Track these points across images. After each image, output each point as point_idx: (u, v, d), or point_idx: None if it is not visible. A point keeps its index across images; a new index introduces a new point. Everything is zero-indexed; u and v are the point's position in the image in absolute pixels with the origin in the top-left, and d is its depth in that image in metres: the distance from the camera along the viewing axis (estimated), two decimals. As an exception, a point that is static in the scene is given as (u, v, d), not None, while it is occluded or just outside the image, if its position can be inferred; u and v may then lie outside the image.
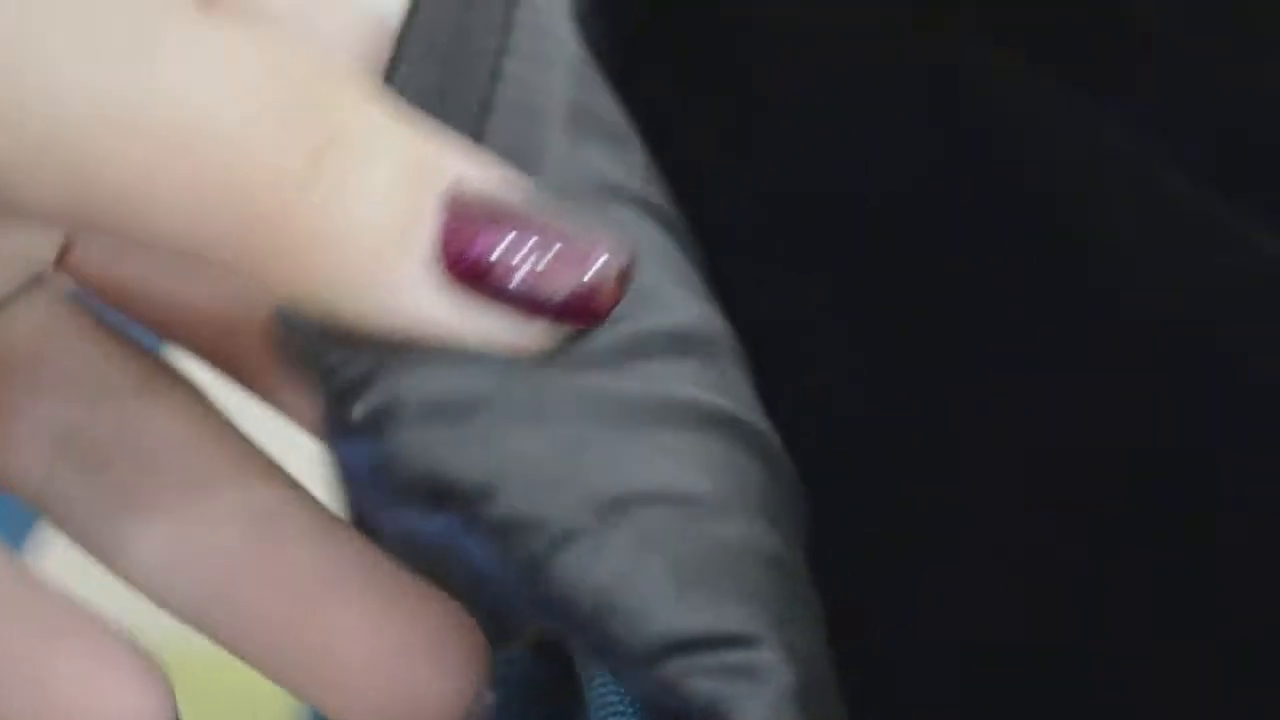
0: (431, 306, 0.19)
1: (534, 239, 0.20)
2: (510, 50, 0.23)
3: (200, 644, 0.24)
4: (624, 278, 0.20)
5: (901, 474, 0.31)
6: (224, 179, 0.18)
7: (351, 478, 0.21)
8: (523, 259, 0.20)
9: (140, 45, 0.19)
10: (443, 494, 0.20)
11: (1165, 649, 0.29)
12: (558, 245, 0.20)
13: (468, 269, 0.19)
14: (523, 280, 0.20)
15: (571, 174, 0.23)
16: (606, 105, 0.24)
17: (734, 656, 0.20)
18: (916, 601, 0.30)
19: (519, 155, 0.22)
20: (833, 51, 0.31)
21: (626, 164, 0.24)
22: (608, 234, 0.20)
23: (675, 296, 0.22)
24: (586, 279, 0.20)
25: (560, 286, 0.20)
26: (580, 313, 0.20)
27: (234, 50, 0.19)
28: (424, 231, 0.19)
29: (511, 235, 0.19)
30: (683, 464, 0.21)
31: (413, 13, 0.23)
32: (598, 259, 0.20)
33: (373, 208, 0.19)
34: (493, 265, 0.19)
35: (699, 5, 0.30)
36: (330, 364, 0.20)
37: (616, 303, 0.20)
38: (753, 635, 0.20)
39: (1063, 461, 0.30)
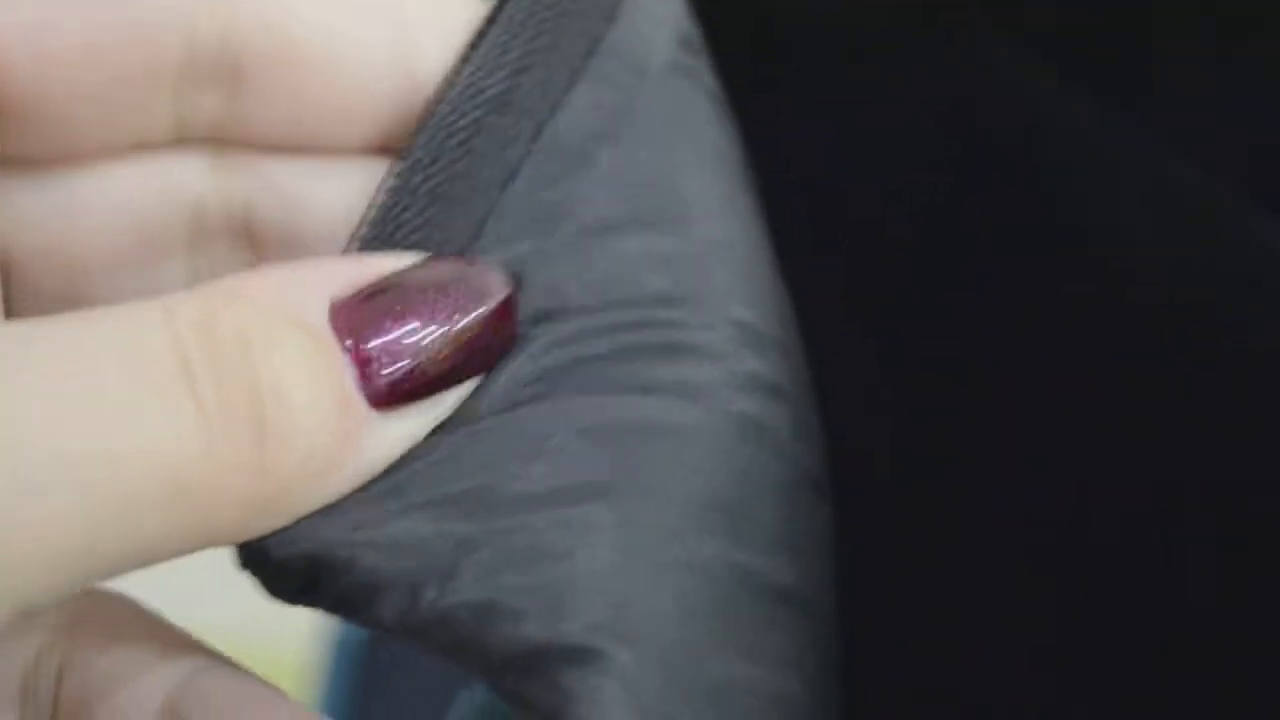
0: (387, 439, 0.21)
1: (432, 326, 0.21)
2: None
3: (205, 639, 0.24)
4: (510, 302, 0.22)
5: (910, 477, 0.31)
6: (189, 521, 0.19)
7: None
8: (431, 343, 0.21)
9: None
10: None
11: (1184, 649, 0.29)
12: (453, 317, 0.21)
13: (398, 390, 0.21)
14: (440, 365, 0.21)
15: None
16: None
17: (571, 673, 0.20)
18: (924, 606, 0.30)
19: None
20: (842, 52, 0.31)
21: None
22: (480, 272, 0.22)
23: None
24: (491, 311, 0.21)
25: (468, 343, 0.21)
26: (493, 351, 0.22)
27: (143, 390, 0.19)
28: (355, 387, 0.20)
29: (414, 331, 0.21)
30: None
31: None
32: (488, 300, 0.21)
33: (309, 403, 0.20)
34: (413, 372, 0.21)
35: (708, 7, 0.30)
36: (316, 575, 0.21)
37: (515, 321, 0.22)
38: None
39: (1072, 459, 0.30)
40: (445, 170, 0.23)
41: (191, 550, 0.20)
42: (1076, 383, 0.30)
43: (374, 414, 0.21)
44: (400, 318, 0.21)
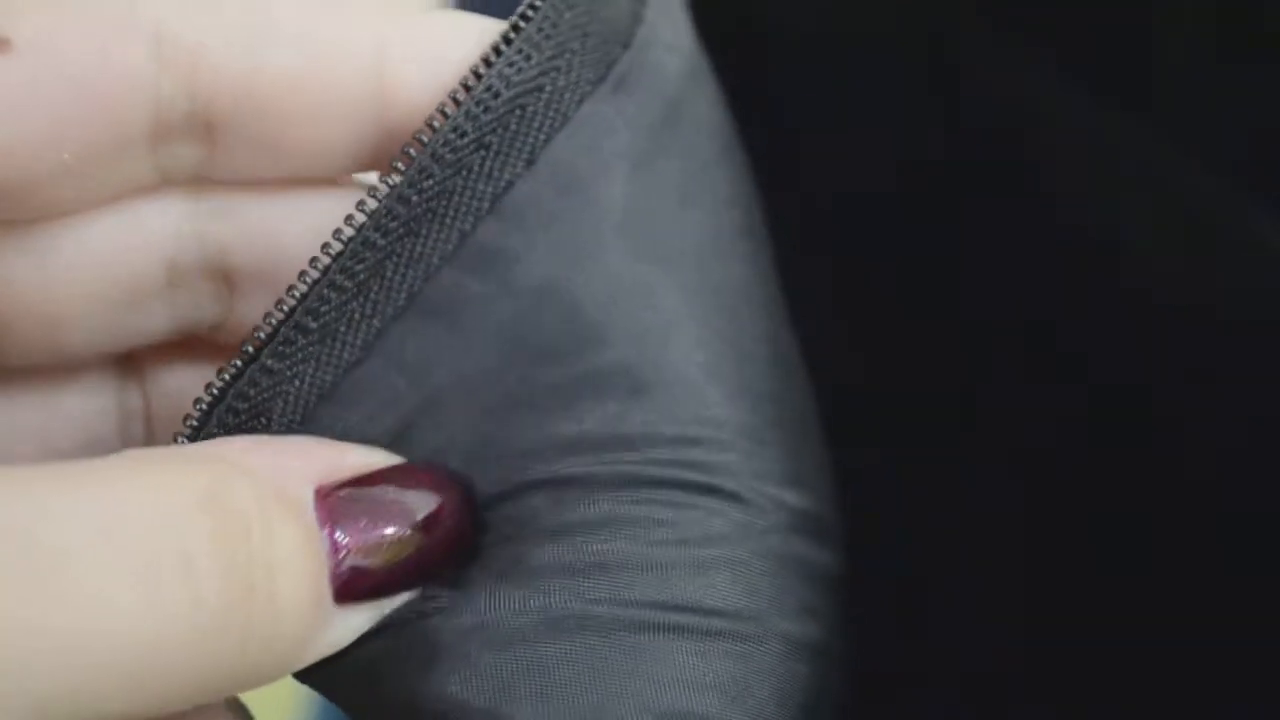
0: (340, 631, 0.21)
1: (393, 520, 0.21)
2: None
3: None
4: (464, 505, 0.22)
5: (902, 473, 0.31)
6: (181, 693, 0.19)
7: None
8: (391, 545, 0.21)
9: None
10: None
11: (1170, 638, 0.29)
12: (420, 514, 0.22)
13: (360, 587, 0.21)
14: (398, 565, 0.21)
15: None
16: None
17: None
18: (922, 595, 0.30)
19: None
20: (840, 51, 0.31)
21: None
22: (438, 471, 0.22)
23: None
24: (446, 528, 0.22)
25: (432, 550, 0.22)
26: (447, 556, 0.22)
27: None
28: (325, 588, 0.21)
29: (378, 533, 0.21)
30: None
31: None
32: (449, 506, 0.22)
33: (291, 598, 0.20)
34: (375, 571, 0.21)
35: (707, 7, 0.30)
36: None
37: (464, 528, 0.22)
38: None
39: (1066, 459, 0.30)
40: (431, 190, 0.22)
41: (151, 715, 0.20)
42: (1075, 382, 0.30)
43: (334, 608, 0.21)
44: (372, 517, 0.21)
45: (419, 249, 0.22)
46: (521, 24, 0.23)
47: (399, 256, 0.22)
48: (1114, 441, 0.30)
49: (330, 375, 0.22)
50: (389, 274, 0.22)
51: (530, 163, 0.22)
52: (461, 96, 0.22)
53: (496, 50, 0.23)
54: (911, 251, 0.31)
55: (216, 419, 0.22)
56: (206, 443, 0.22)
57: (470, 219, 0.22)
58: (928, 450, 0.31)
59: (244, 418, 0.22)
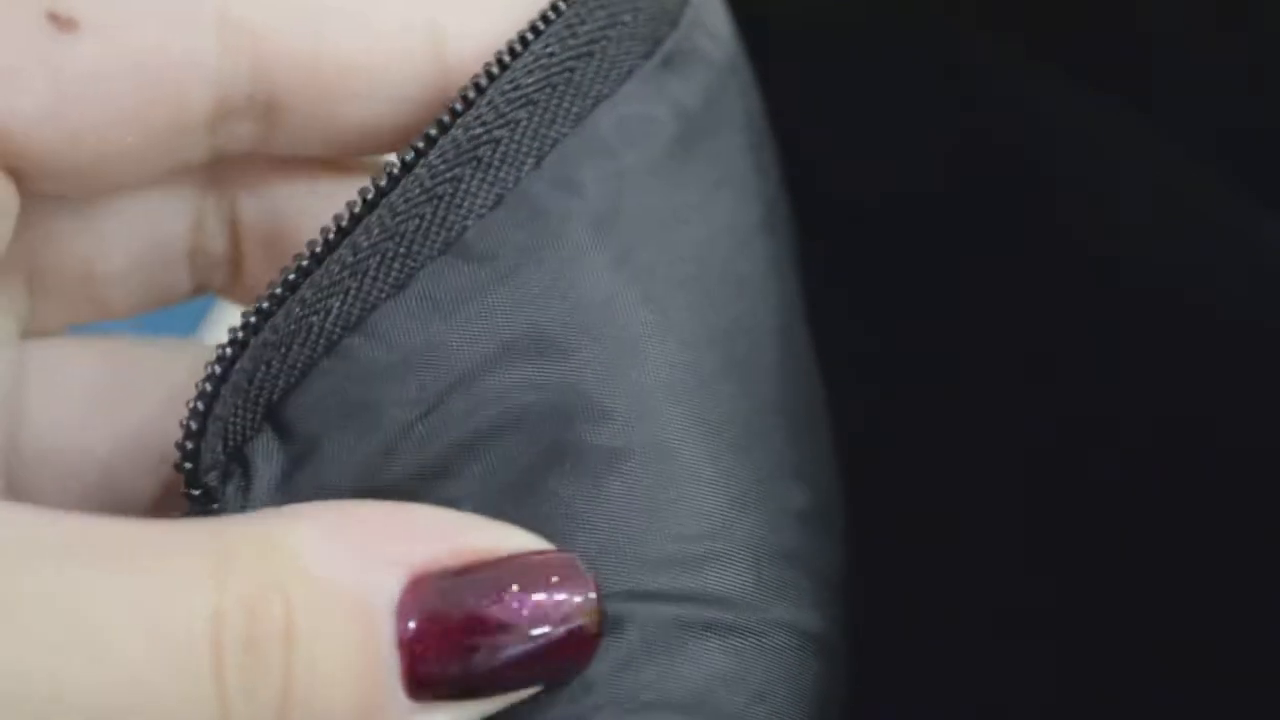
0: None
1: (498, 619, 0.19)
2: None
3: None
4: (599, 616, 0.20)
5: (904, 470, 0.31)
6: None
7: None
8: (496, 647, 0.19)
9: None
10: None
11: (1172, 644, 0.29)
12: (526, 613, 0.19)
13: (446, 683, 0.19)
14: (500, 666, 0.19)
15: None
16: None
17: None
18: (918, 594, 0.30)
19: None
20: (840, 51, 0.31)
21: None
22: (572, 567, 0.20)
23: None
24: (563, 630, 0.20)
25: (539, 653, 0.19)
26: (572, 661, 0.20)
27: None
28: (391, 685, 0.19)
29: (485, 626, 0.19)
30: None
31: None
32: (571, 606, 0.20)
33: (336, 707, 0.19)
34: (468, 669, 0.19)
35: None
36: None
37: (599, 637, 0.20)
38: None
39: (1067, 456, 0.30)
40: (481, 138, 0.22)
41: None
42: (1074, 381, 0.30)
43: (411, 705, 0.19)
44: (472, 609, 0.19)
45: (460, 196, 0.22)
46: None
47: (439, 201, 0.22)
48: (1116, 441, 0.30)
49: (358, 309, 0.21)
50: (428, 217, 0.22)
51: (576, 125, 0.22)
52: (519, 49, 0.22)
53: (555, 9, 0.22)
54: (911, 251, 0.31)
55: (252, 351, 0.21)
56: (281, 517, 0.20)
57: (513, 171, 0.22)
58: (926, 446, 0.31)
59: (271, 353, 0.21)
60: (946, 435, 0.31)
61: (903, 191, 0.31)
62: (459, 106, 0.22)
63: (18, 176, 0.21)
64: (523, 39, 0.22)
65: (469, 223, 0.22)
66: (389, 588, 0.19)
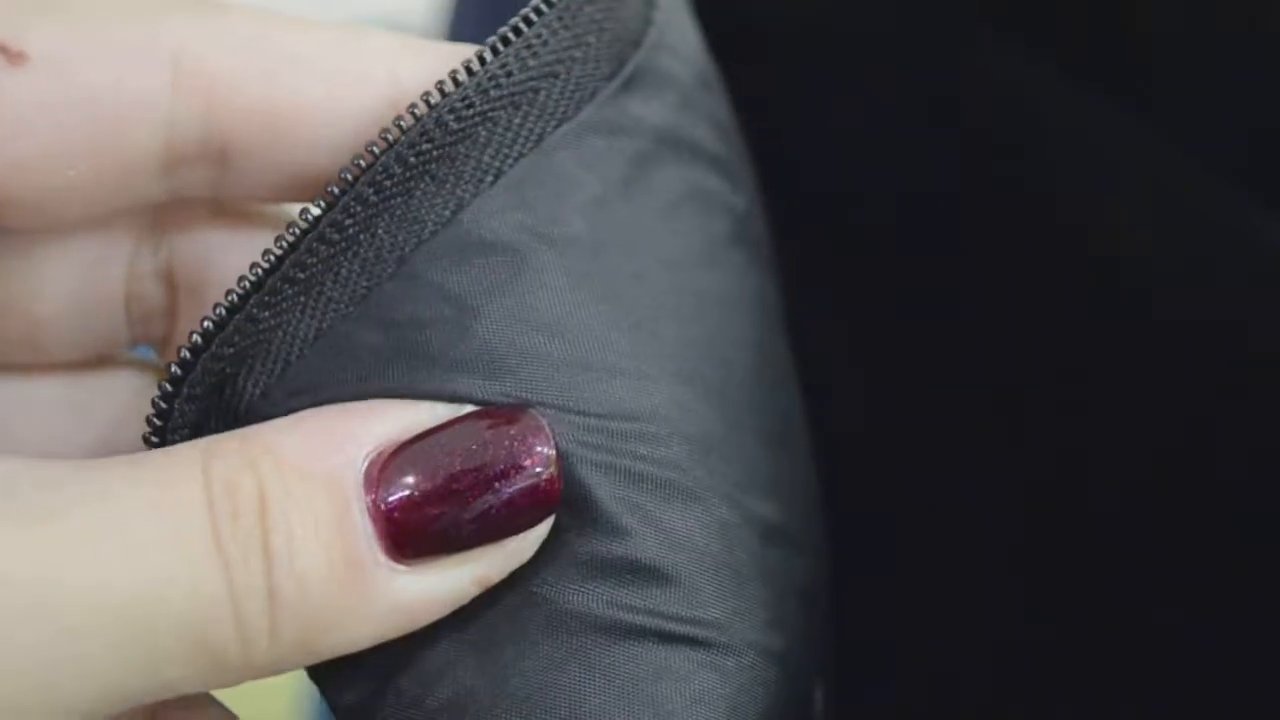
0: (410, 592, 0.21)
1: (469, 477, 0.21)
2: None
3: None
4: (557, 462, 0.21)
5: (900, 474, 0.31)
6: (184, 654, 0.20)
7: None
8: (466, 503, 0.21)
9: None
10: None
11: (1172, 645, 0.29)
12: (492, 466, 0.21)
13: (424, 541, 0.21)
14: (476, 522, 0.21)
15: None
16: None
17: None
18: (915, 601, 0.30)
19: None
20: (841, 51, 0.31)
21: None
22: (527, 419, 0.21)
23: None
24: (529, 480, 0.21)
25: (510, 503, 0.21)
26: (538, 509, 0.21)
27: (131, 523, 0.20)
28: (366, 545, 0.21)
29: (446, 487, 0.21)
30: None
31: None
32: (534, 454, 0.21)
33: (314, 566, 0.20)
34: (443, 526, 0.21)
35: (715, 9, 0.30)
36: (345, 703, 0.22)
37: (559, 479, 0.21)
38: None
39: (1064, 456, 0.30)
40: (430, 154, 0.22)
41: (210, 688, 0.21)
42: (1072, 380, 0.30)
43: (394, 567, 0.21)
44: (430, 477, 0.21)
45: (413, 210, 0.22)
46: (544, 8, 0.23)
47: (391, 215, 0.22)
48: (1117, 441, 0.30)
49: (314, 328, 0.22)
50: (379, 232, 0.22)
51: (537, 144, 0.22)
52: (476, 67, 0.22)
53: (516, 30, 0.22)
54: (911, 252, 0.31)
55: (201, 366, 0.22)
56: (248, 429, 0.22)
57: (470, 188, 0.22)
58: (925, 454, 0.31)
59: (226, 364, 0.22)
60: (936, 433, 0.31)
61: (902, 192, 0.31)
62: (405, 123, 0.22)
63: None
64: (480, 59, 0.22)
65: (422, 240, 0.22)
66: (354, 460, 0.21)
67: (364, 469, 0.21)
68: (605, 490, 0.22)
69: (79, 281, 0.24)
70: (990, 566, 0.31)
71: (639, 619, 0.22)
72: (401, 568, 0.21)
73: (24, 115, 0.21)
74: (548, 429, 0.21)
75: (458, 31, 0.39)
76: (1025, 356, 0.31)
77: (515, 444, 0.21)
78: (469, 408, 0.22)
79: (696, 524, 0.22)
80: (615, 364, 0.22)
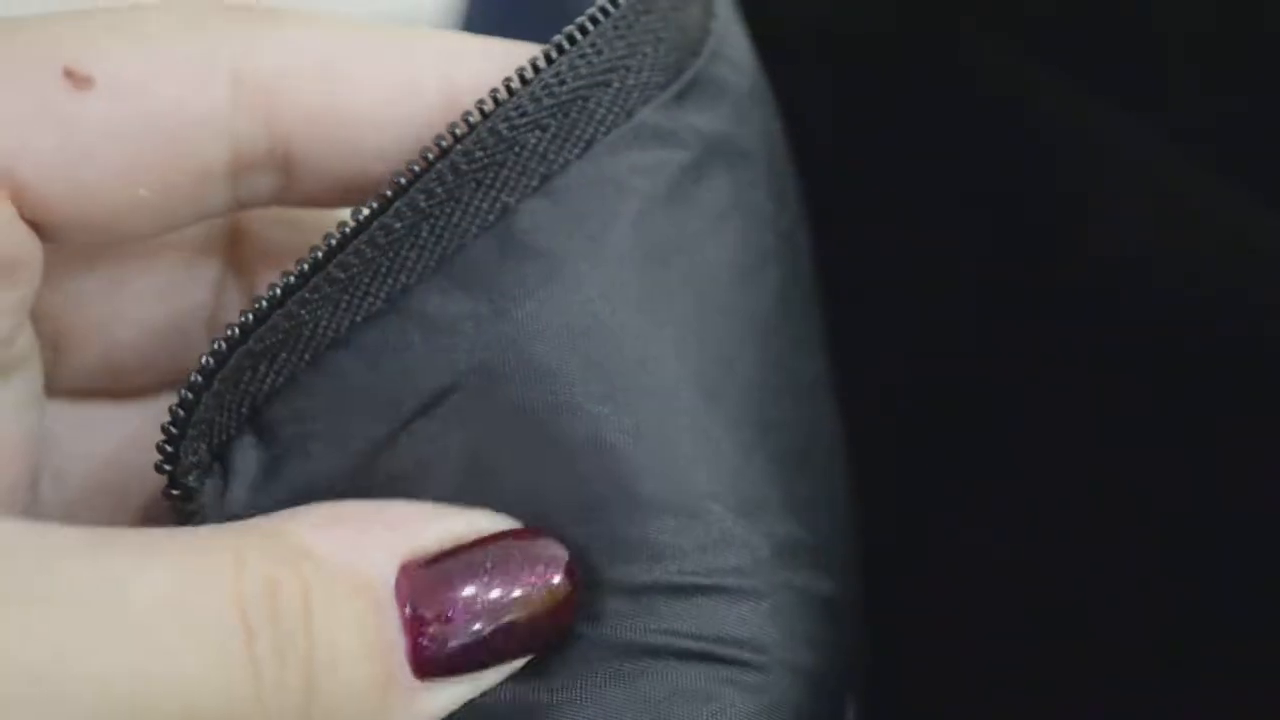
0: (430, 708, 0.21)
1: (494, 590, 0.21)
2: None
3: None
4: (571, 574, 0.22)
5: (899, 475, 0.31)
6: None
7: None
8: (487, 617, 0.21)
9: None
10: None
11: (1162, 643, 0.29)
12: (512, 586, 0.21)
13: (446, 662, 0.21)
14: (500, 643, 0.21)
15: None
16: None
17: None
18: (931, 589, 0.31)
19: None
20: (841, 51, 0.31)
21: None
22: (542, 539, 0.22)
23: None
24: (544, 601, 0.22)
25: (532, 621, 0.21)
26: (559, 627, 0.22)
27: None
28: (398, 662, 0.21)
29: (473, 604, 0.21)
30: None
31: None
32: (546, 576, 0.22)
33: (356, 679, 0.20)
34: (465, 645, 0.21)
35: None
36: None
37: (575, 594, 0.22)
38: None
39: (1063, 456, 0.30)
40: (481, 160, 0.22)
41: None
42: (1073, 381, 0.30)
43: (417, 684, 0.21)
44: (460, 590, 0.21)
45: (458, 215, 0.22)
46: (600, 18, 0.23)
47: (436, 220, 0.22)
48: (1119, 441, 0.30)
49: (346, 322, 0.22)
50: (423, 234, 0.22)
51: (585, 150, 0.23)
52: (530, 75, 0.22)
53: (570, 39, 0.23)
54: (912, 252, 0.32)
55: (235, 361, 0.22)
56: (280, 517, 0.21)
57: (516, 194, 0.22)
58: (924, 453, 0.31)
59: (258, 359, 0.22)
60: (936, 433, 0.31)
61: (901, 192, 0.32)
62: (459, 131, 0.22)
63: (38, 229, 0.22)
64: (534, 67, 0.22)
65: (465, 243, 0.22)
66: (386, 572, 0.21)
67: (395, 580, 0.21)
68: None
69: (159, 305, 0.25)
70: (990, 567, 0.31)
71: (661, 639, 0.22)
72: (421, 685, 0.21)
73: (93, 140, 0.21)
74: (560, 543, 0.22)
75: (471, 27, 0.39)
76: (1025, 356, 0.31)
77: (545, 566, 0.22)
78: (502, 524, 0.22)
79: None
80: (643, 383, 0.22)
